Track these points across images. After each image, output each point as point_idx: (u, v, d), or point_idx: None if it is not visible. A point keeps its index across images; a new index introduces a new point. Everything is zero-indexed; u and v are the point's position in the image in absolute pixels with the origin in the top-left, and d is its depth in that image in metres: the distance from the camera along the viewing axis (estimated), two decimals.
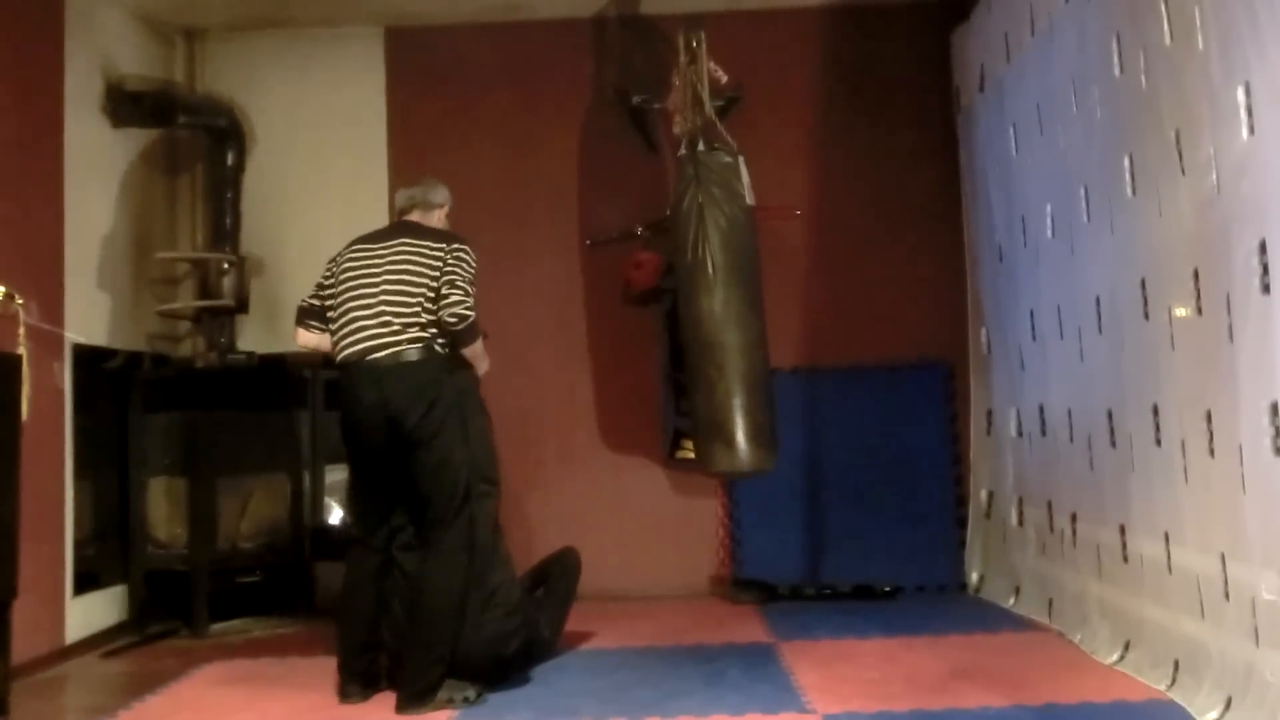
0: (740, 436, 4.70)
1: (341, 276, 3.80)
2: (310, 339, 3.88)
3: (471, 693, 3.67)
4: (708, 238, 4.70)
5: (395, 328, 3.65)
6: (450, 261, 3.72)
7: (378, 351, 3.64)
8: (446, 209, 4.08)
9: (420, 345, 3.65)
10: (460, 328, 3.67)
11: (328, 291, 3.84)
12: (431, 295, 3.68)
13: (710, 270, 4.69)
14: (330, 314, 3.81)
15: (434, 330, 3.68)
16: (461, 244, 3.80)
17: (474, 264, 3.78)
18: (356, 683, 3.78)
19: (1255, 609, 3.01)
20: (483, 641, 3.75)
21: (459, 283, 3.69)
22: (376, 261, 3.76)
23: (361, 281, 3.74)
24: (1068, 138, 4.33)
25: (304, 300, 3.91)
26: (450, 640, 3.65)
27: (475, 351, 3.84)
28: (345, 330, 3.73)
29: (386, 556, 3.82)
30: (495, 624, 3.80)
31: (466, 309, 3.67)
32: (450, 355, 3.75)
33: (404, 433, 3.64)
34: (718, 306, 4.71)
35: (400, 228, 3.93)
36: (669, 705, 3.57)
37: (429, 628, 3.64)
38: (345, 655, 3.82)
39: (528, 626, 3.97)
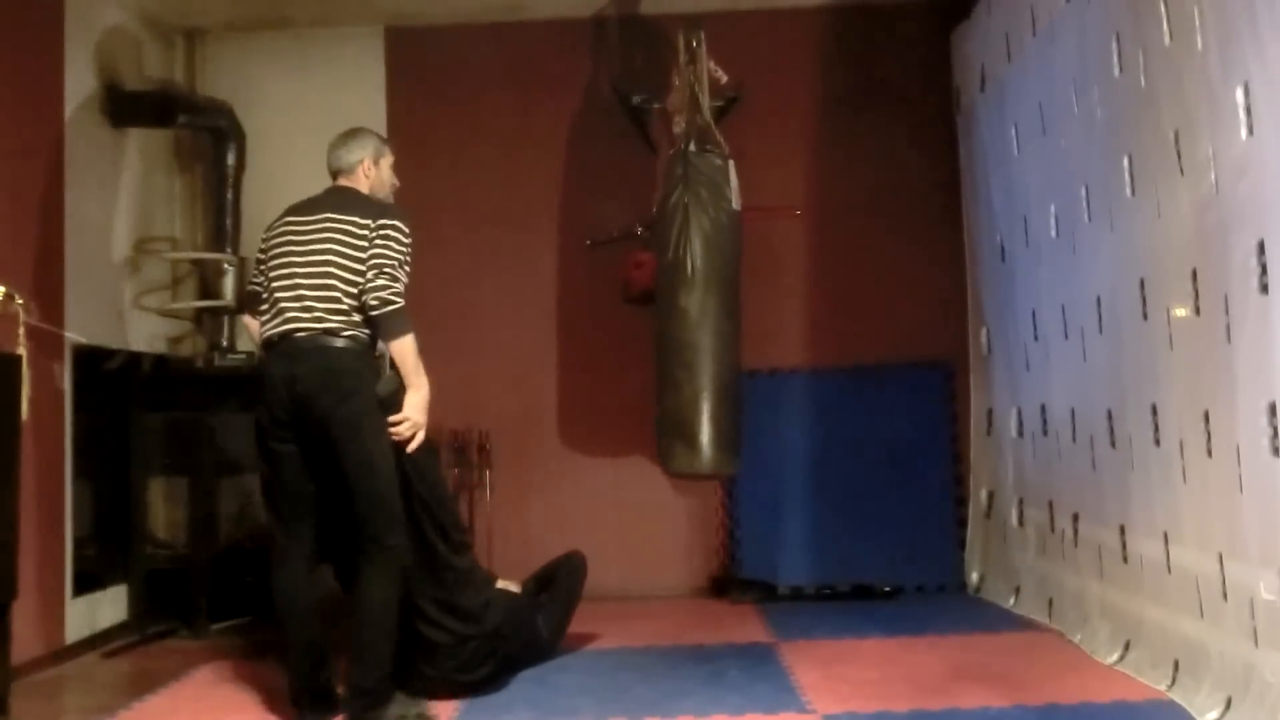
0: (704, 438, 4.63)
1: (272, 252, 3.53)
2: (257, 327, 3.55)
3: (425, 709, 3.50)
4: (690, 238, 4.67)
5: (316, 313, 3.37)
6: (377, 241, 3.39)
7: (296, 333, 3.37)
8: (368, 161, 3.64)
9: (344, 335, 3.37)
10: (381, 312, 3.34)
11: (263, 268, 3.55)
12: (357, 279, 3.37)
13: (689, 271, 4.66)
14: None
15: (360, 318, 3.38)
16: (390, 219, 3.44)
17: (405, 242, 3.44)
18: (313, 707, 3.45)
19: (1254, 609, 3.01)
20: (452, 669, 3.69)
21: (386, 267, 3.36)
22: (301, 240, 3.46)
23: (287, 260, 3.45)
24: (1069, 138, 4.33)
25: (250, 283, 3.63)
26: (392, 654, 3.41)
27: (405, 355, 3.41)
28: (268, 311, 3.47)
29: (314, 558, 3.51)
30: (470, 651, 3.73)
31: (392, 294, 3.35)
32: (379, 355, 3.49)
33: (315, 417, 3.34)
34: (693, 308, 4.66)
35: (328, 198, 3.57)
36: (669, 705, 3.58)
37: (367, 643, 3.37)
38: (299, 677, 3.47)
39: (505, 645, 3.89)
